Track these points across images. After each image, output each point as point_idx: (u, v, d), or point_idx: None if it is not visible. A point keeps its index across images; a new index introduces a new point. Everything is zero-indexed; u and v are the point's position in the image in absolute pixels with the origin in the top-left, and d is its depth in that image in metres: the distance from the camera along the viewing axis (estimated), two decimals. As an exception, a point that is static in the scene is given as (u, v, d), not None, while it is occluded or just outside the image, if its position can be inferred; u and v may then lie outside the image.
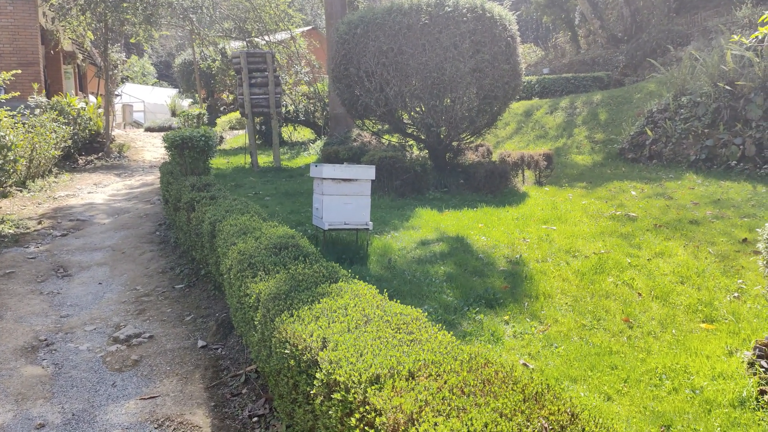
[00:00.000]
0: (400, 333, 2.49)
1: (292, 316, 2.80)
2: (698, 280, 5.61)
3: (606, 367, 4.10)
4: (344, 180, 5.92)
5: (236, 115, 25.38)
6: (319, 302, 2.88)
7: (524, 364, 4.15)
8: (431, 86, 9.02)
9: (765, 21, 4.54)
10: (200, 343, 4.62)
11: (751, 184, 9.35)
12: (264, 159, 13.88)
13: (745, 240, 6.63)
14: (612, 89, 17.51)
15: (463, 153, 10.50)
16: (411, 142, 10.90)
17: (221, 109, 27.48)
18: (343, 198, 5.93)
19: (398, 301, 3.08)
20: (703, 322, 4.86)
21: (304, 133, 19.67)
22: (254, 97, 12.10)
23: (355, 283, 3.22)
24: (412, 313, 2.70)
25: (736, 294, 5.32)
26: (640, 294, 5.29)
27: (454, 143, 10.29)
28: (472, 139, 10.52)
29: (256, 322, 3.17)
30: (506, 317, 4.82)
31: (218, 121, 24.42)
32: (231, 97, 28.01)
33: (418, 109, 9.58)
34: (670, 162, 11.31)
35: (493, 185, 9.23)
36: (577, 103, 16.23)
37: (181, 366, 4.29)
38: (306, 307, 2.84)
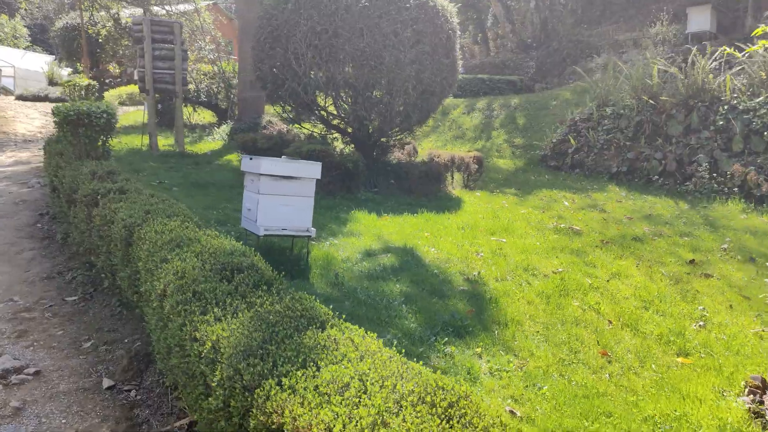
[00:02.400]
0: (453, 428, 1.73)
1: (282, 388, 1.95)
2: (661, 305, 5.33)
3: (600, 415, 3.61)
4: (284, 177, 5.03)
5: (126, 89, 23.12)
6: (317, 366, 2.05)
7: (511, 412, 3.54)
8: (367, 75, 8.22)
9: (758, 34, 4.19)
10: (106, 382, 3.56)
11: (672, 200, 9.42)
12: (163, 141, 12.43)
13: (692, 261, 6.48)
14: (527, 94, 17.54)
15: (391, 150, 9.80)
16: (335, 135, 10.03)
17: (107, 81, 24.93)
18: (283, 198, 5.04)
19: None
20: (678, 355, 4.57)
21: (204, 116, 18.15)
22: (157, 72, 10.70)
23: (349, 329, 2.42)
24: (456, 387, 1.95)
25: (701, 323, 5.08)
26: (610, 322, 4.89)
27: (383, 139, 9.56)
28: (402, 136, 9.84)
29: (214, 384, 2.27)
30: (478, 349, 4.21)
31: (106, 95, 22.10)
32: (119, 70, 25.54)
33: (350, 100, 8.73)
34: (592, 172, 11.27)
35: (427, 188, 8.62)
36: (494, 105, 16.06)
37: (82, 418, 3.23)
38: (299, 374, 2.01)
